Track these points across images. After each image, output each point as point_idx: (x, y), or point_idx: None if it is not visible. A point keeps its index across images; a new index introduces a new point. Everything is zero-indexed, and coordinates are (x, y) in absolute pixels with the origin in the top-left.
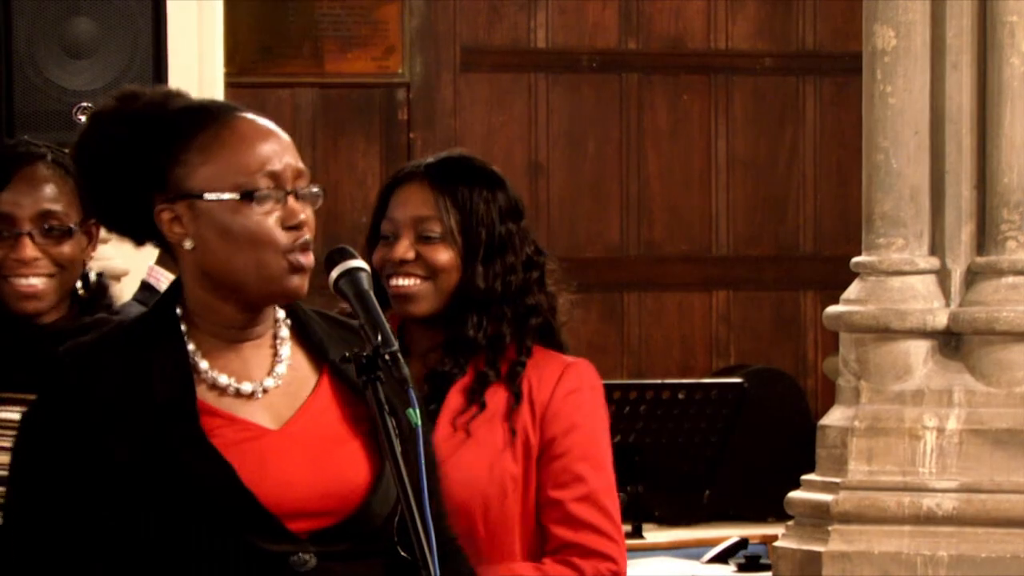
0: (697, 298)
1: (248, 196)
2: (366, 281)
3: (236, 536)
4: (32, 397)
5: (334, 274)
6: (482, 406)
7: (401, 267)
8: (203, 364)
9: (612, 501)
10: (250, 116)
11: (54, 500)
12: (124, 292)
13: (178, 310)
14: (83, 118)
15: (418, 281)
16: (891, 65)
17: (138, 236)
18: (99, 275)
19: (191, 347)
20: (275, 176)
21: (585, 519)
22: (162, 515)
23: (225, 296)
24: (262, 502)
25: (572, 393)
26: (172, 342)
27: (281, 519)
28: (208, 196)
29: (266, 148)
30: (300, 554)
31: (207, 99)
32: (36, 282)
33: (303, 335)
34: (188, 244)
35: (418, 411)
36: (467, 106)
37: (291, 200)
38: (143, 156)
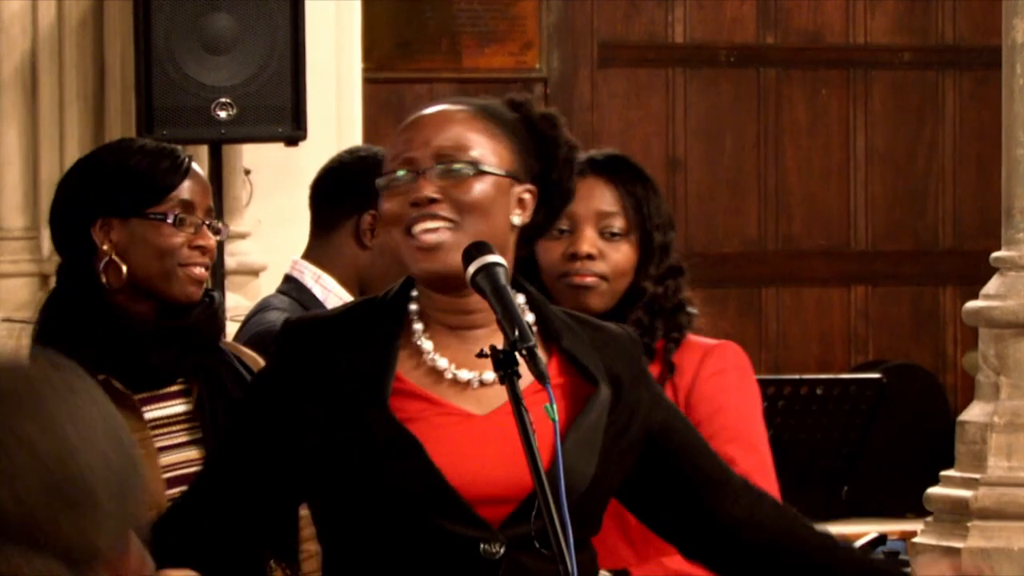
0: (836, 293)
1: (382, 182)
2: (503, 276)
3: (424, 516)
4: (175, 388)
5: (471, 269)
6: None
7: (586, 262)
8: (427, 344)
9: (766, 480)
10: (424, 111)
11: (248, 450)
12: (262, 286)
13: (414, 292)
14: (222, 113)
15: (597, 278)
16: None
17: None
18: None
19: (419, 326)
20: (410, 161)
21: None
22: (352, 489)
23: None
24: (452, 484)
25: (716, 375)
26: (392, 323)
27: (472, 504)
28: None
29: (408, 136)
30: (490, 543)
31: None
32: (204, 271)
33: (541, 329)
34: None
35: (555, 407)
36: (604, 101)
37: (418, 179)
38: None
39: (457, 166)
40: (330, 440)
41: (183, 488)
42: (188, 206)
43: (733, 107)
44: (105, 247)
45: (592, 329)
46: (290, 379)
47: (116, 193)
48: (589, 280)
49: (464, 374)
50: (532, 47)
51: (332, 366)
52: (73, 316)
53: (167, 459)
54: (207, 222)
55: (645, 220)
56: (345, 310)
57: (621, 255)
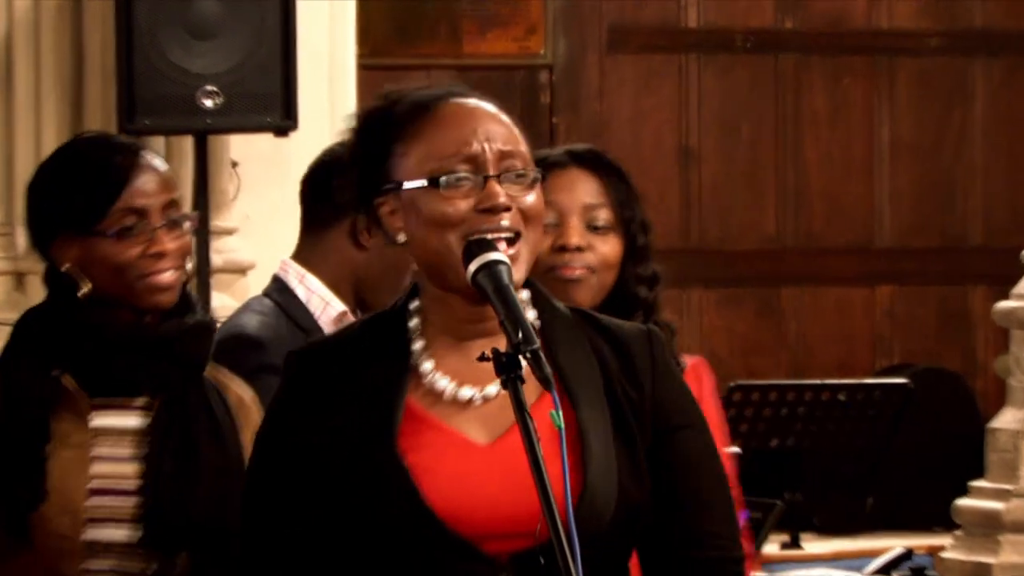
0: (859, 293)
1: (435, 182)
2: (506, 275)
3: (428, 557)
4: (138, 401)
5: (472, 267)
6: None
7: (576, 254)
8: (427, 365)
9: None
10: (459, 100)
11: (273, 488)
12: (251, 284)
13: (413, 305)
14: (208, 102)
15: (586, 270)
16: None
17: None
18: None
19: (419, 344)
20: (472, 159)
21: None
22: (357, 528)
23: (446, 288)
24: (454, 524)
25: (711, 393)
26: (396, 344)
27: (476, 541)
28: (406, 185)
29: (464, 131)
30: None
31: (437, 88)
32: (171, 274)
33: (545, 338)
34: (401, 237)
35: (560, 413)
36: (614, 89)
37: (491, 184)
38: (369, 154)
39: (528, 173)
40: (335, 474)
41: (106, 499)
42: (138, 212)
43: (750, 95)
44: (66, 266)
45: (598, 331)
46: (301, 412)
47: (61, 213)
48: (578, 273)
49: (466, 392)
50: (537, 32)
51: (341, 397)
52: (49, 319)
53: (100, 468)
54: (164, 222)
55: (630, 215)
56: (351, 332)
57: (609, 248)
